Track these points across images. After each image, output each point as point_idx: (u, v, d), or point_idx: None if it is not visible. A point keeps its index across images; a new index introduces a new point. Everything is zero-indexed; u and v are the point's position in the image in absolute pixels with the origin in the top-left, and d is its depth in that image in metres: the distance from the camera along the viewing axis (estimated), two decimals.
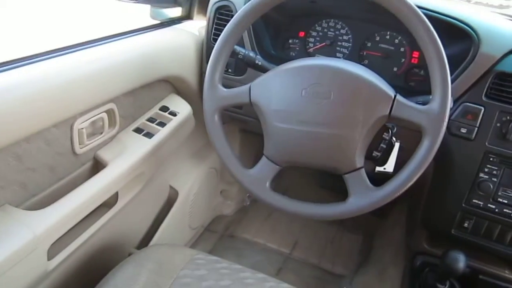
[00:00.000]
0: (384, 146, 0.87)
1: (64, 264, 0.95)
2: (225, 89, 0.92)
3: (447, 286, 1.11)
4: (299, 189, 1.89)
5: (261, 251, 1.65)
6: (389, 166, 0.92)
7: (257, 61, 1.02)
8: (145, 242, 1.32)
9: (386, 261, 1.44)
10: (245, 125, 1.34)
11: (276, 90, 0.86)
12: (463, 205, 1.07)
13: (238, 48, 1.01)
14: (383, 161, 0.94)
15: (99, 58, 0.96)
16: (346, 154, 0.82)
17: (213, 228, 1.77)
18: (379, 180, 0.87)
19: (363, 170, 0.84)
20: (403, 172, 0.80)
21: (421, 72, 1.18)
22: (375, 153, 0.87)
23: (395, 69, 1.22)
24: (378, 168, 0.95)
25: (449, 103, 0.79)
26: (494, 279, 1.19)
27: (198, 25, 1.34)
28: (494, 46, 1.00)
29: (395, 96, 0.81)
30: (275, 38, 1.29)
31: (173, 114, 1.20)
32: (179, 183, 1.43)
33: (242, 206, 1.91)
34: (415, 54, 1.19)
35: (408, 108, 0.80)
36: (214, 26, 1.23)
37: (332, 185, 1.85)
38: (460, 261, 1.00)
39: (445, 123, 0.78)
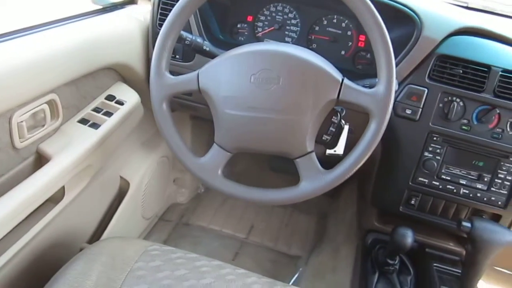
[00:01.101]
0: (334, 130, 0.88)
1: (11, 264, 0.90)
2: (172, 77, 0.90)
3: (397, 261, 1.16)
4: (253, 174, 1.90)
5: (217, 237, 1.65)
6: (339, 149, 0.93)
7: (205, 47, 1.00)
8: (97, 236, 1.29)
9: (339, 240, 1.48)
10: (196, 112, 1.32)
11: (225, 76, 0.85)
12: (410, 183, 1.11)
13: (185, 34, 0.99)
14: (333, 143, 0.95)
15: (37, 46, 0.90)
16: (296, 138, 0.83)
17: (168, 217, 1.74)
18: (330, 162, 0.89)
19: (313, 154, 0.85)
20: (352, 155, 0.82)
21: (367, 56, 1.20)
22: (325, 137, 0.88)
23: (343, 52, 1.23)
24: (328, 151, 0.97)
25: (394, 86, 0.81)
26: (440, 251, 1.25)
27: (143, 10, 1.29)
28: (436, 29, 1.03)
29: (342, 80, 0.82)
30: (223, 23, 1.27)
31: (120, 103, 1.16)
32: (130, 174, 1.40)
33: (197, 194, 1.89)
34: (362, 37, 1.21)
35: (355, 91, 0.81)
36: (160, 11, 1.19)
37: (285, 168, 1.88)
38: (408, 237, 1.04)
39: (391, 106, 0.80)
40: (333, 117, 0.87)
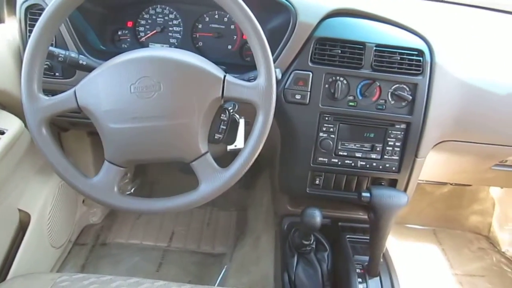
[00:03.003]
0: (225, 127, 0.88)
1: None
2: (47, 98, 0.84)
3: (312, 240, 1.20)
4: (167, 179, 1.86)
5: (138, 251, 1.60)
6: (239, 143, 0.94)
7: (81, 61, 0.95)
8: (3, 276, 1.19)
9: (259, 230, 1.51)
10: (91, 128, 1.25)
11: (104, 89, 0.81)
12: (311, 164, 1.15)
13: (56, 50, 0.93)
14: (231, 139, 0.96)
15: None
16: (188, 142, 0.82)
17: (83, 241, 1.66)
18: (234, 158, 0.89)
19: (208, 155, 0.84)
20: (245, 150, 0.83)
21: None
22: (217, 136, 0.88)
23: (229, 47, 1.24)
24: (229, 147, 0.97)
25: (274, 77, 0.82)
26: (351, 223, 1.31)
27: (11, 29, 1.19)
28: (310, 14, 1.07)
29: (224, 77, 0.82)
30: (102, 31, 1.21)
31: (1, 132, 1.07)
32: (29, 204, 1.30)
33: (110, 211, 1.81)
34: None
35: (238, 86, 0.82)
36: (28, 28, 1.11)
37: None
38: (316, 216, 1.07)
39: (274, 96, 0.82)
40: (222, 115, 0.87)
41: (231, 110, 0.92)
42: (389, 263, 1.16)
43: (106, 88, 0.81)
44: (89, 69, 0.95)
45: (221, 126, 0.88)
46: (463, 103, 1.14)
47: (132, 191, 1.81)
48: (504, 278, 1.77)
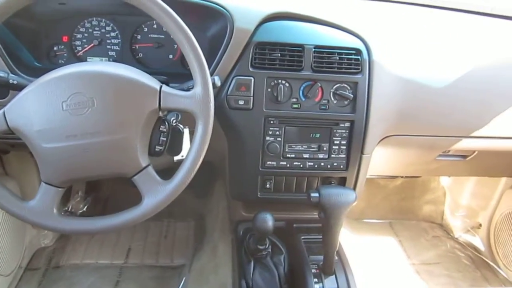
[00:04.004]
0: (165, 139, 0.86)
1: None
2: None
3: (267, 244, 1.20)
4: (118, 195, 1.81)
5: (94, 271, 1.55)
6: (186, 153, 0.92)
7: (11, 80, 0.91)
8: None
9: (216, 238, 1.49)
10: None
11: (35, 108, 0.78)
12: (260, 169, 1.15)
13: None
14: (178, 150, 0.95)
15: None
16: (127, 157, 0.80)
17: (35, 265, 1.59)
18: None
19: (150, 168, 0.83)
20: (186, 160, 0.82)
21: None
22: (158, 148, 0.86)
23: (170, 56, 1.22)
24: (176, 158, 0.96)
25: (211, 84, 0.82)
26: (306, 223, 1.32)
27: None
28: (246, 20, 1.07)
29: (160, 88, 0.81)
30: (35, 48, 1.17)
31: None
32: None
33: None
34: None
35: (175, 97, 0.81)
36: None
37: None
38: (268, 220, 1.07)
39: (212, 104, 0.81)
40: (161, 126, 0.86)
41: (174, 121, 0.91)
42: (344, 260, 1.17)
43: (37, 107, 0.78)
44: (21, 88, 0.91)
45: (161, 138, 0.86)
46: (403, 98, 1.18)
47: (85, 209, 1.76)
48: (459, 263, 1.84)
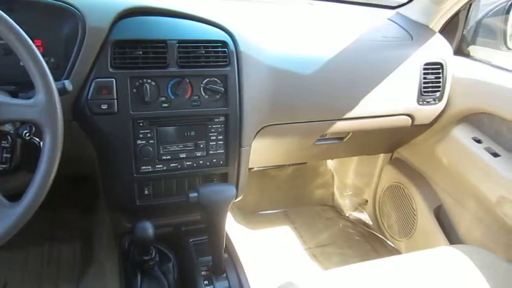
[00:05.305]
0: (9, 156, 0.76)
1: None
2: None
3: (153, 254, 1.13)
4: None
5: None
6: None
7: None
8: None
9: (102, 256, 1.39)
10: None
11: None
12: (135, 175, 1.08)
13: None
14: (35, 166, 0.84)
15: None
16: None
17: None
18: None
19: None
20: (36, 177, 0.73)
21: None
22: (1, 167, 0.75)
23: (21, 63, 1.09)
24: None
25: (55, 90, 0.74)
26: (194, 225, 1.27)
27: None
28: (99, 17, 0.99)
29: None
30: None
31: None
32: None
33: None
34: (37, 42, 1.09)
35: (13, 106, 0.71)
36: None
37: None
38: (148, 229, 1.01)
39: (59, 111, 0.73)
40: (2, 141, 0.75)
41: (27, 134, 0.80)
42: (235, 258, 1.15)
43: None
44: None
45: (4, 155, 0.76)
46: (274, 87, 1.19)
47: None
48: (351, 240, 1.93)
